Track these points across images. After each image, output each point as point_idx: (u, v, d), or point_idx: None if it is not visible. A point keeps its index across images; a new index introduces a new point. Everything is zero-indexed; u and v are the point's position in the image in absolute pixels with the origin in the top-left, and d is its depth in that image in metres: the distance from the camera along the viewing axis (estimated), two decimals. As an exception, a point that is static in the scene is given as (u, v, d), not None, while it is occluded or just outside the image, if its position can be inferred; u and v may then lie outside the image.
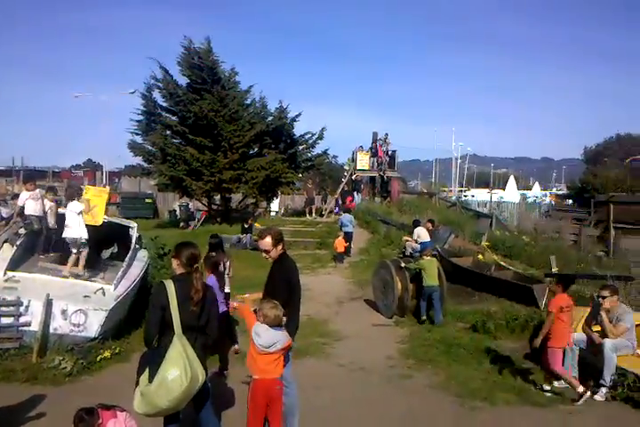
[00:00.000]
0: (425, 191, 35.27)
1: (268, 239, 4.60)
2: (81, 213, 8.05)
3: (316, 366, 6.91)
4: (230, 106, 21.42)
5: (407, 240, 14.77)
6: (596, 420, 5.43)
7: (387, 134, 25.69)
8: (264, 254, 4.69)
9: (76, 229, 8.00)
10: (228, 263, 7.07)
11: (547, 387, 6.24)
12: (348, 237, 16.31)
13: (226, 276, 6.94)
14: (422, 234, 14.21)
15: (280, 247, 4.66)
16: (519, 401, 5.76)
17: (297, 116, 22.82)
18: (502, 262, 13.14)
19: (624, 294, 9.01)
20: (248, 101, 22.92)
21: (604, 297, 6.42)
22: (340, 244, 15.39)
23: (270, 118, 22.57)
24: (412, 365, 7.06)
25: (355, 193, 23.74)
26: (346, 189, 23.25)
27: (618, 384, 5.92)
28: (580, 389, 5.81)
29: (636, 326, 7.12)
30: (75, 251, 8.02)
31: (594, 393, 5.95)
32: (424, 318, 9.49)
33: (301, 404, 4.66)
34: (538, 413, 5.50)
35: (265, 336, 4.02)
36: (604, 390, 5.94)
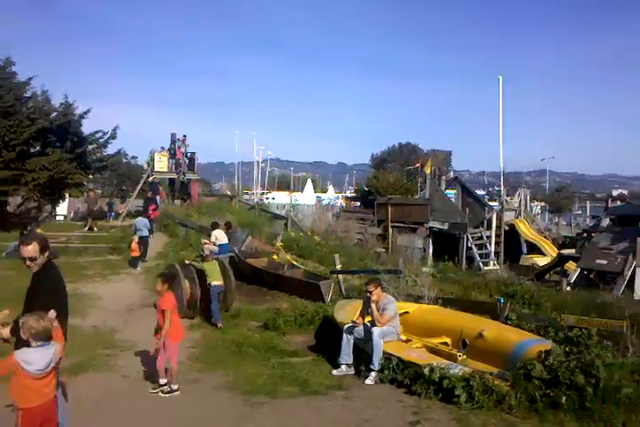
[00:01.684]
0: (228, 194, 35.47)
1: (34, 246, 4.20)
2: None
3: (98, 379, 6.53)
4: (6, 98, 19.07)
5: (205, 243, 14.70)
6: (367, 401, 5.97)
7: (185, 136, 25.25)
8: (28, 263, 4.27)
9: None
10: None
11: (333, 371, 6.85)
12: (144, 241, 15.68)
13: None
14: (220, 236, 14.26)
15: (46, 255, 4.30)
16: (301, 392, 6.11)
17: (85, 112, 21.28)
18: (295, 262, 13.83)
19: (394, 286, 10.13)
20: (28, 94, 20.68)
21: (373, 290, 7.15)
22: (134, 248, 14.71)
23: (54, 114, 20.64)
24: (202, 368, 7.06)
25: (155, 197, 22.77)
26: (149, 195, 22.02)
27: (385, 368, 6.60)
28: (162, 381, 6.13)
29: (401, 314, 8.11)
30: None
31: (365, 378, 6.60)
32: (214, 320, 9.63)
33: (79, 420, 4.37)
34: (317, 401, 5.89)
35: (37, 360, 3.62)
36: (373, 374, 6.59)
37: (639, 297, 13.02)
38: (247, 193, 59.22)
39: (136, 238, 15.12)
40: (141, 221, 15.84)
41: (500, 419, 5.23)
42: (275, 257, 14.43)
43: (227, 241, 14.27)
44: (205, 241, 14.69)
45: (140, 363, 7.22)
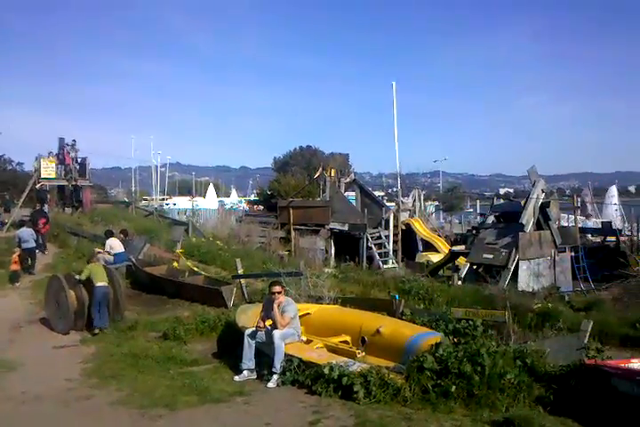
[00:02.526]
0: (124, 200, 34.02)
1: None
2: None
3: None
4: None
5: (99, 252, 14.00)
6: (268, 404, 5.98)
7: (74, 141, 23.99)
8: None
9: None
10: None
11: (235, 377, 6.82)
12: (31, 253, 14.68)
13: None
14: (115, 245, 13.66)
15: None
16: (201, 401, 5.99)
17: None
18: (195, 268, 13.54)
19: (296, 288, 10.24)
20: None
21: (274, 293, 7.18)
22: (15, 260, 13.70)
23: None
24: (95, 384, 6.72)
25: (43, 206, 21.29)
26: (37, 207, 20.37)
27: (287, 370, 6.64)
28: None
29: (303, 315, 8.22)
30: None
31: (267, 381, 6.61)
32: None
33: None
34: (217, 408, 5.80)
35: None
36: (275, 377, 6.61)
37: (522, 288, 14.08)
38: (146, 199, 57.14)
39: (18, 251, 14.11)
40: (26, 232, 14.78)
41: (397, 412, 5.44)
42: (175, 264, 14.05)
43: (123, 250, 13.70)
44: (99, 250, 14.00)
45: (28, 383, 6.74)
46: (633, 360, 5.88)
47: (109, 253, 13.49)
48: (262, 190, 39.36)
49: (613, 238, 22.69)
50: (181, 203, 50.02)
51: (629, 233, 23.47)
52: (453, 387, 5.61)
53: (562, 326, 7.93)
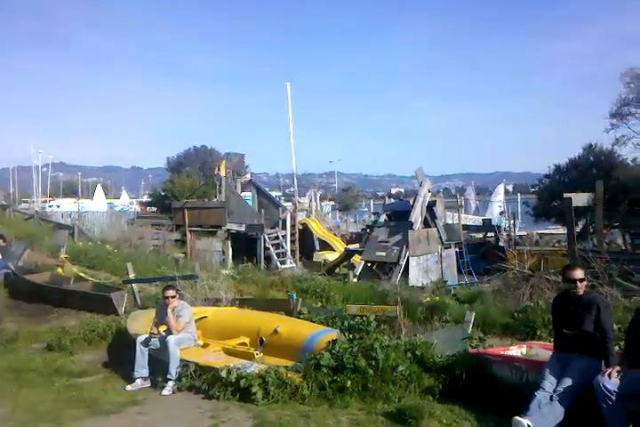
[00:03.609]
0: (2, 203, 31.36)
1: None
2: None
3: None
4: None
5: (-29, 260, 12.83)
6: (163, 412, 5.79)
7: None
8: None
9: None
10: None
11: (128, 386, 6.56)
12: None
13: None
14: (-9, 252, 12.59)
15: None
16: (90, 414, 5.67)
17: None
18: (82, 274, 12.81)
19: (191, 291, 10.01)
20: None
21: (167, 297, 6.98)
22: None
23: None
24: (-32, 403, 6.14)
25: None
26: None
27: (182, 376, 6.47)
28: None
29: (200, 318, 8.06)
30: None
31: (162, 388, 6.40)
32: None
33: None
34: (108, 420, 5.53)
35: None
36: (170, 383, 6.41)
37: (412, 284, 14.78)
38: (26, 201, 53.13)
39: None
40: None
41: (295, 410, 5.49)
42: (59, 271, 13.18)
43: (0, 257, 12.68)
44: (-28, 258, 12.84)
45: None
46: (511, 348, 6.38)
47: (-17, 261, 12.42)
48: (155, 191, 37.98)
49: (493, 234, 24.50)
50: (66, 205, 47.02)
51: (508, 229, 25.41)
52: (349, 382, 5.76)
53: (448, 318, 8.41)
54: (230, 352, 7.21)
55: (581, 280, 4.88)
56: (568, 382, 4.56)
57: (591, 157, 25.17)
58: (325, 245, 25.09)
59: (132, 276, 11.24)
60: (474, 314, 7.04)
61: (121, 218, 27.04)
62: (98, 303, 10.32)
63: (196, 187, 29.48)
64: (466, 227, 26.15)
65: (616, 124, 21.85)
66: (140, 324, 7.73)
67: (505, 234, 24.30)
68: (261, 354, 7.04)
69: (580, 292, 4.89)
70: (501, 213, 33.04)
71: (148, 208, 38.77)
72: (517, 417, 4.42)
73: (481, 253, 22.20)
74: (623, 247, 18.49)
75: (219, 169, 25.15)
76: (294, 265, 20.79)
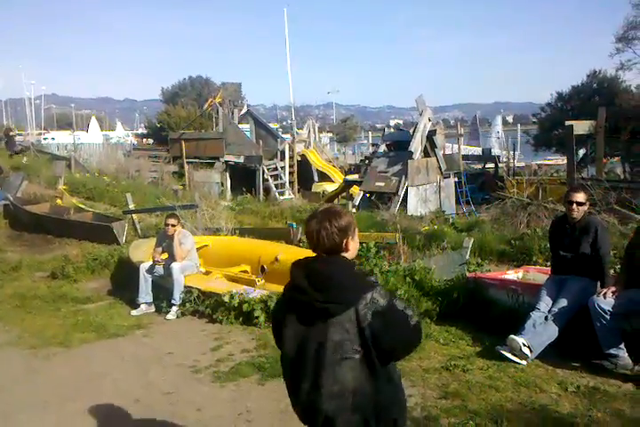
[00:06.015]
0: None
1: None
2: None
3: None
4: None
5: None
6: (169, 335, 5.97)
7: None
8: None
9: None
10: None
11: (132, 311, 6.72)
12: None
13: None
14: (-14, 183, 12.54)
15: None
16: (97, 337, 5.84)
17: None
18: (81, 205, 12.83)
19: (192, 220, 10.06)
20: None
21: (168, 225, 6.99)
22: None
23: None
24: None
25: None
26: None
27: (186, 301, 6.62)
28: None
29: (201, 247, 8.14)
30: None
31: (167, 313, 6.57)
32: None
33: None
34: (115, 342, 5.72)
35: None
36: (174, 308, 6.57)
37: (411, 213, 14.85)
38: (20, 134, 52.25)
39: None
40: None
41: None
42: (59, 201, 13.19)
43: (-3, 188, 12.63)
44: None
45: None
46: (508, 272, 6.48)
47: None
48: (151, 123, 37.28)
49: (493, 165, 24.36)
50: (61, 137, 46.27)
51: (507, 159, 25.23)
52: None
53: (446, 246, 8.49)
54: (232, 279, 7.34)
55: (580, 204, 4.82)
56: (563, 302, 4.65)
57: (595, 84, 24.55)
58: (324, 177, 24.97)
59: (131, 206, 11.26)
60: (472, 240, 7.09)
61: (117, 150, 26.71)
62: (99, 233, 10.40)
63: (192, 118, 28.91)
64: (465, 157, 25.97)
65: (621, 49, 21.03)
66: (142, 252, 7.80)
67: (505, 164, 24.17)
68: (263, 281, 7.16)
69: (575, 215, 4.83)
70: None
71: (145, 140, 38.24)
72: (513, 335, 4.55)
73: (480, 183, 22.19)
74: (622, 176, 18.42)
75: (214, 98, 24.54)
76: (293, 196, 20.80)
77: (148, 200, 14.39)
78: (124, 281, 7.74)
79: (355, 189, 18.87)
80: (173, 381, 4.63)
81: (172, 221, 7.06)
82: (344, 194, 19.48)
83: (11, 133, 22.13)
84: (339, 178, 23.46)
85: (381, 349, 1.98)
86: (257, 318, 5.91)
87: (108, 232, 10.15)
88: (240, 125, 24.80)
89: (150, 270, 6.96)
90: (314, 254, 2.14)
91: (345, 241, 2.11)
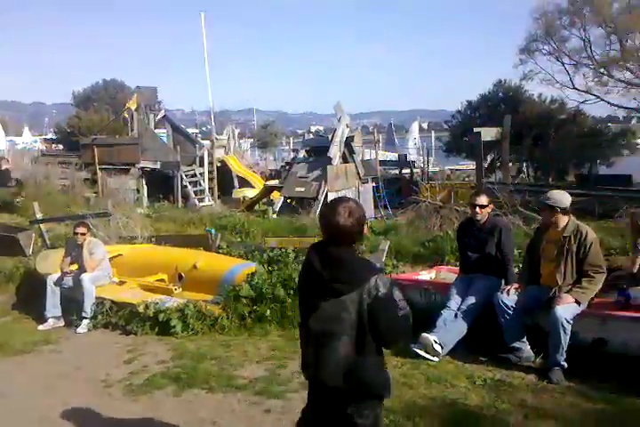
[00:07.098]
0: None
1: None
2: None
3: None
4: None
5: None
6: (79, 349, 5.70)
7: None
8: None
9: None
10: None
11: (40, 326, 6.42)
12: None
13: None
14: None
15: None
16: (0, 355, 5.50)
17: None
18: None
19: (105, 229, 9.68)
20: None
21: (78, 233, 6.71)
22: None
23: None
24: None
25: None
26: None
27: (98, 313, 6.36)
28: None
29: (115, 256, 7.85)
30: None
31: (77, 327, 6.28)
32: None
33: None
34: (22, 359, 5.41)
35: None
36: (85, 321, 6.29)
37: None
38: None
39: None
40: None
41: (214, 340, 5.59)
42: (-44, 212, 12.28)
43: None
44: None
45: None
46: (421, 272, 6.73)
47: None
48: (61, 128, 35.48)
49: (409, 170, 25.19)
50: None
51: (422, 165, 26.18)
52: (268, 311, 5.90)
53: (364, 249, 8.69)
54: (148, 289, 7.11)
55: (482, 207, 5.10)
56: (472, 300, 4.89)
57: (501, 93, 26.02)
58: (245, 183, 24.76)
59: (39, 216, 10.64)
60: (388, 243, 7.29)
61: (24, 157, 25.22)
62: (3, 245, 9.77)
63: (105, 123, 27.81)
64: (383, 162, 26.65)
65: (525, 60, 22.58)
66: (50, 263, 7.42)
67: (420, 169, 25.05)
68: (180, 289, 7.01)
69: (479, 217, 5.11)
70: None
71: (54, 145, 36.33)
72: (425, 333, 4.73)
73: (397, 188, 22.85)
74: (527, 180, 19.64)
75: (129, 104, 23.72)
76: (213, 202, 20.50)
77: (58, 209, 13.69)
78: (31, 295, 7.33)
79: (275, 195, 18.88)
80: (83, 396, 4.43)
81: (81, 229, 6.78)
82: (265, 199, 19.44)
83: None
84: (259, 184, 23.36)
85: (376, 330, 2.28)
86: (174, 327, 5.78)
87: (13, 243, 9.55)
88: (157, 131, 24.15)
89: (59, 282, 6.63)
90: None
91: (360, 231, 2.37)
